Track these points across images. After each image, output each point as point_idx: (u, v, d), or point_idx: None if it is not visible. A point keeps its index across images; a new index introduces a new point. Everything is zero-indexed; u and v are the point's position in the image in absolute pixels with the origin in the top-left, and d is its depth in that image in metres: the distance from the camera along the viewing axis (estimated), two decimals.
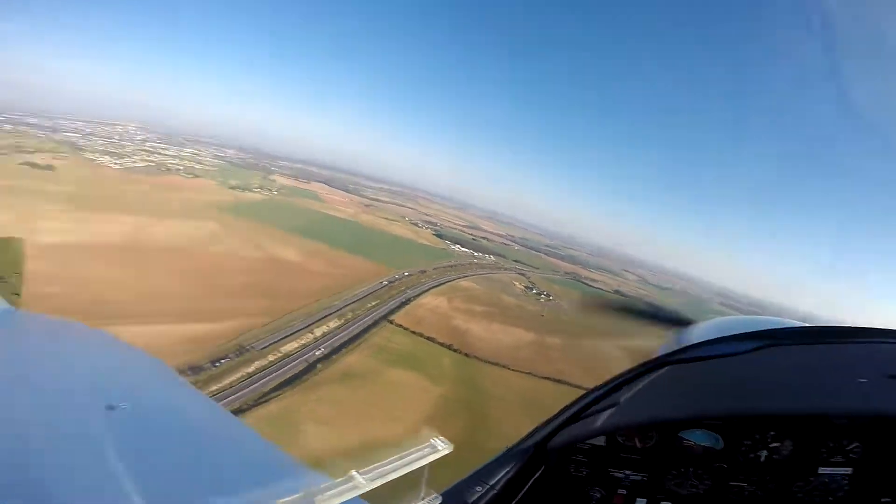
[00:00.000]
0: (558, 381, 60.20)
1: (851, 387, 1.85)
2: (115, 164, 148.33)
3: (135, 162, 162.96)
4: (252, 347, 50.52)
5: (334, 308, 66.57)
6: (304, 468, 1.71)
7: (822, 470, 1.89)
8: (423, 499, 1.23)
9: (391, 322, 66.77)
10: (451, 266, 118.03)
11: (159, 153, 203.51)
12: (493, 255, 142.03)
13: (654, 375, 2.00)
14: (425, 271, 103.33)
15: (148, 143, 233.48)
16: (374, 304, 72.79)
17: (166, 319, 52.14)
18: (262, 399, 42.77)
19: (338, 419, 40.82)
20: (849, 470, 1.88)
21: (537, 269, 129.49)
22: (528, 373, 61.31)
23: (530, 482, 1.85)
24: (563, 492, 2.00)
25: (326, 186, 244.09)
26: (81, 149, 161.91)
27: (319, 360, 51.12)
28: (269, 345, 52.28)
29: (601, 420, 1.87)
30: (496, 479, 1.69)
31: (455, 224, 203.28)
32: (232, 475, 1.51)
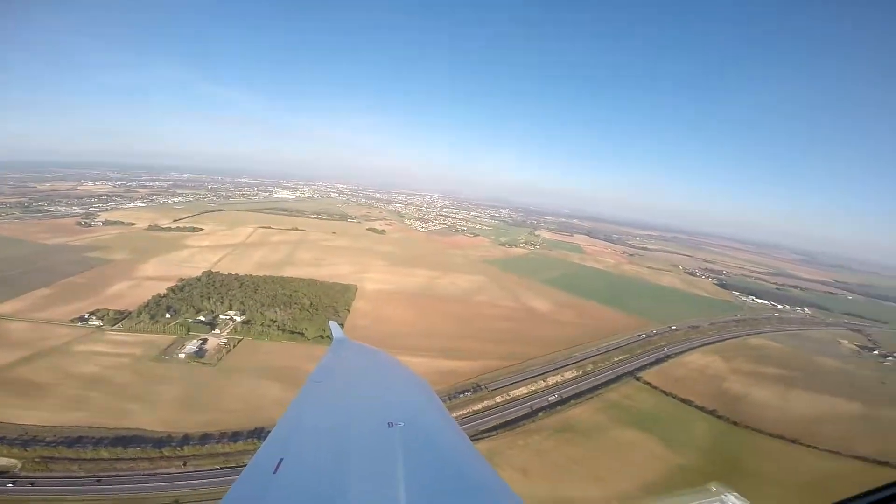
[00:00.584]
0: (879, 463, 39.57)
1: None
2: (422, 227, 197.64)
3: (434, 225, 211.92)
4: (486, 387, 54.90)
5: (574, 359, 65.02)
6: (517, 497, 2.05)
7: None
8: None
9: (637, 379, 59.63)
10: (738, 321, 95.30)
11: (451, 216, 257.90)
12: (808, 307, 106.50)
13: None
14: (698, 326, 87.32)
15: (444, 210, 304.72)
16: (620, 358, 66.99)
17: (430, 354, 63.31)
18: (474, 437, 45.46)
19: (534, 469, 39.05)
20: None
21: (885, 323, 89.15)
22: (834, 451, 42.36)
23: None
24: None
25: (588, 238, 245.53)
26: (403, 216, 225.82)
27: (543, 408, 50.57)
28: (502, 387, 55.57)
29: None
30: None
31: (750, 271, 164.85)
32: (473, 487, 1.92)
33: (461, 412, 48.70)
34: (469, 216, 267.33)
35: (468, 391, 52.87)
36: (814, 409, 53.75)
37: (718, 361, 69.05)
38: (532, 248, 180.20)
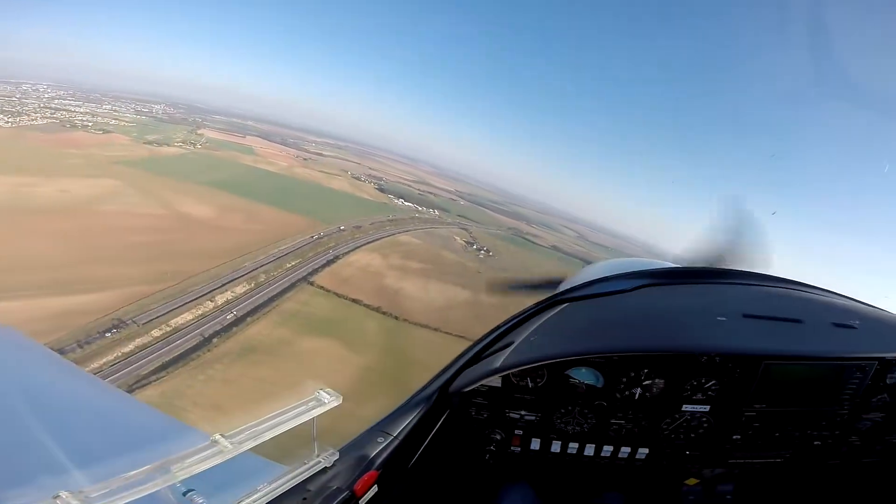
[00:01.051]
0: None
1: (712, 326, 1.90)
2: (7, 122, 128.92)
3: (33, 120, 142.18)
4: (133, 322, 42.72)
5: (244, 270, 58.88)
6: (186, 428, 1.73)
7: (685, 407, 1.93)
8: (317, 455, 1.22)
9: (311, 283, 60.15)
10: (391, 220, 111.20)
11: (68, 110, 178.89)
12: (437, 209, 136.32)
13: (546, 314, 2.07)
14: (360, 226, 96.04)
15: (56, 101, 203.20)
16: (293, 263, 65.56)
17: (28, 293, 43.03)
18: (136, 384, 35.89)
19: (227, 401, 34.91)
20: (706, 407, 1.93)
21: (480, 224, 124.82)
22: (460, 335, 57.75)
23: (435, 429, 1.83)
24: (467, 435, 2.00)
25: (263, 140, 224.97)
26: None
27: (217, 333, 44.25)
28: (156, 318, 44.65)
29: (497, 361, 1.82)
30: (399, 428, 1.63)
31: (402, 179, 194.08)
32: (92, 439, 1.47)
33: (105, 358, 36.66)
34: (101, 109, 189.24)
35: (109, 331, 39.43)
36: (444, 298, 69.21)
37: (378, 259, 78.45)
38: (192, 147, 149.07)
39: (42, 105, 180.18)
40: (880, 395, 1.95)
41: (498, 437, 2.00)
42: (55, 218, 63.73)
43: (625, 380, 1.89)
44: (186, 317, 46.20)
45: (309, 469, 1.20)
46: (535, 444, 2.02)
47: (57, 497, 0.75)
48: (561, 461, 2.06)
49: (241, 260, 61.82)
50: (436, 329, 57.23)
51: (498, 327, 2.09)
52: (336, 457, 1.27)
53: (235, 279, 55.97)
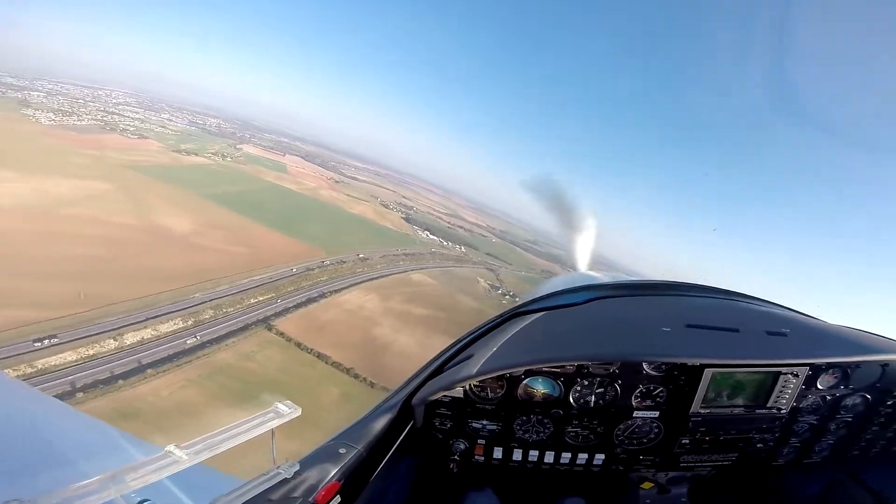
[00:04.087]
0: None
1: (657, 335, 1.95)
2: (51, 120, 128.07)
3: (79, 120, 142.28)
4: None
5: (189, 303, 46.14)
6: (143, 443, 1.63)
7: (636, 414, 2.02)
8: (277, 467, 1.20)
9: (269, 328, 46.30)
10: (408, 255, 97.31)
11: (122, 115, 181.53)
12: (464, 245, 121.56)
13: (504, 327, 2.14)
14: (368, 259, 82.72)
15: (120, 106, 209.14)
16: (261, 298, 52.35)
17: None
18: None
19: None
20: (656, 413, 2.02)
21: (510, 265, 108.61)
22: None
23: (399, 440, 1.86)
24: (431, 446, 2.03)
25: (302, 160, 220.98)
26: (28, 105, 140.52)
27: (88, 387, 31.01)
28: (32, 351, 32.28)
29: (458, 373, 1.87)
30: (362, 439, 1.62)
31: (434, 210, 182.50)
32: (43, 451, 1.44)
33: None
34: (156, 118, 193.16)
35: None
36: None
37: (375, 300, 64.00)
38: (220, 159, 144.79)
39: (100, 108, 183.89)
40: (814, 398, 2.08)
41: (462, 446, 2.03)
42: (3, 217, 54.46)
43: (579, 388, 1.97)
44: (67, 357, 33.34)
45: (268, 480, 1.16)
46: (498, 452, 2.05)
47: None
48: (523, 469, 2.10)
49: (194, 289, 49.29)
50: None
51: (459, 340, 2.13)
52: (296, 468, 1.23)
53: (170, 313, 43.15)
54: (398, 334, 56.55)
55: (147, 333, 38.96)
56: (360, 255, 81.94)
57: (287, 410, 1.13)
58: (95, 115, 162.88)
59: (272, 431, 1.10)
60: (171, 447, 0.91)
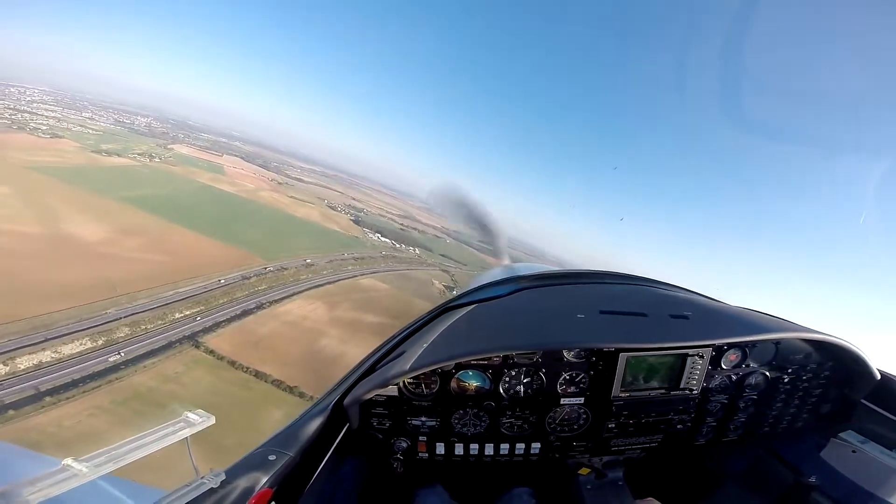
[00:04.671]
0: None
1: (573, 323, 2.00)
2: None
3: None
4: None
5: (99, 320, 39.71)
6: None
7: (563, 401, 2.06)
8: (201, 477, 1.14)
9: (197, 346, 40.80)
10: (357, 259, 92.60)
11: (35, 113, 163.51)
12: (418, 247, 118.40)
13: (435, 322, 2.14)
14: (313, 264, 77.39)
15: (34, 105, 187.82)
16: (188, 312, 46.44)
17: None
18: None
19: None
20: (581, 399, 2.07)
21: (465, 265, 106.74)
22: None
23: (335, 443, 1.83)
24: (372, 447, 2.02)
25: (241, 161, 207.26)
26: None
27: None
28: None
29: (389, 370, 1.87)
30: (293, 444, 1.57)
31: (386, 212, 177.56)
32: None
33: None
34: (78, 117, 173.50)
35: None
36: None
37: (321, 309, 59.31)
38: (147, 160, 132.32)
39: (9, 106, 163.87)
40: (721, 378, 2.16)
41: (404, 444, 2.03)
42: None
43: (507, 379, 2.00)
44: None
45: (192, 491, 1.11)
46: (440, 448, 2.05)
47: None
48: (466, 463, 2.11)
49: (106, 304, 42.70)
50: None
51: (391, 338, 2.13)
52: (223, 477, 1.18)
53: (75, 332, 36.78)
54: (346, 345, 52.19)
55: (46, 356, 32.64)
56: (306, 261, 76.59)
57: (198, 419, 1.06)
58: (2, 114, 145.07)
59: (187, 441, 1.03)
60: (68, 460, 0.85)
